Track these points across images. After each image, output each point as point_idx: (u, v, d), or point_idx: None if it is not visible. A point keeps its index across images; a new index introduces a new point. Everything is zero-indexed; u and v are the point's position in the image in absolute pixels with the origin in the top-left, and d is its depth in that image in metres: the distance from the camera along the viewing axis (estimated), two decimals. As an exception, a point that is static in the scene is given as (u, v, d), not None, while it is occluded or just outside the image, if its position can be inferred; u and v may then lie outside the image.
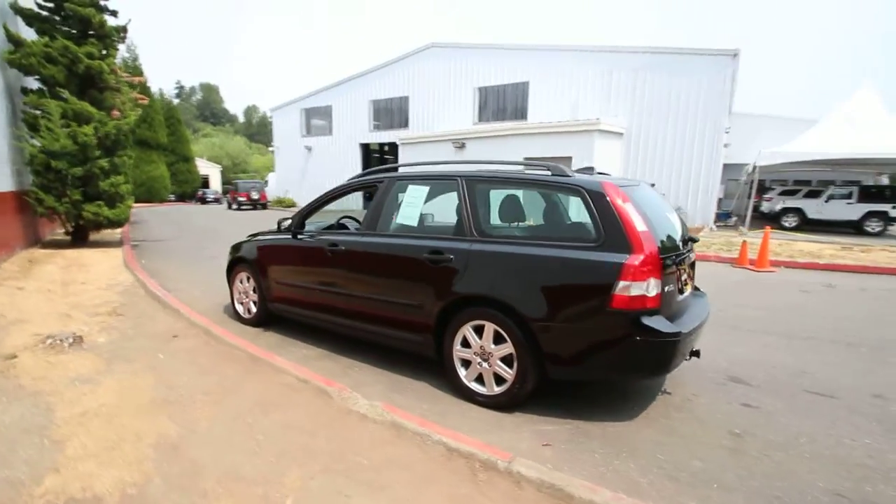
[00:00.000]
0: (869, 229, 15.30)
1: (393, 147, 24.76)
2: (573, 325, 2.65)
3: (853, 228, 15.61)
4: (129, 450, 2.31)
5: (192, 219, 19.18)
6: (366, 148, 25.35)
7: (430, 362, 3.41)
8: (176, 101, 72.06)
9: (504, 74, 19.27)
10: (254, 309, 4.66)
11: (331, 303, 3.85)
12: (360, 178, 3.97)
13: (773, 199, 18.39)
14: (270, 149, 32.19)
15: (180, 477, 2.12)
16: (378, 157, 28.04)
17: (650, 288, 2.55)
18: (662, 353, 2.60)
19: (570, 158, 14.58)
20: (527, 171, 3.17)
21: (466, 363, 3.10)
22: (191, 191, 36.16)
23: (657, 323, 2.57)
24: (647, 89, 16.03)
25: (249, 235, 5.07)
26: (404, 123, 22.75)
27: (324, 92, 26.01)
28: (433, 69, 21.38)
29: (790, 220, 16.61)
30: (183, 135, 36.15)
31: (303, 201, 26.79)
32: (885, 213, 15.46)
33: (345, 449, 2.37)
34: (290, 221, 4.42)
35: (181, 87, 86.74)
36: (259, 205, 26.64)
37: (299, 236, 4.17)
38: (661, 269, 2.62)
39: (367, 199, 4.27)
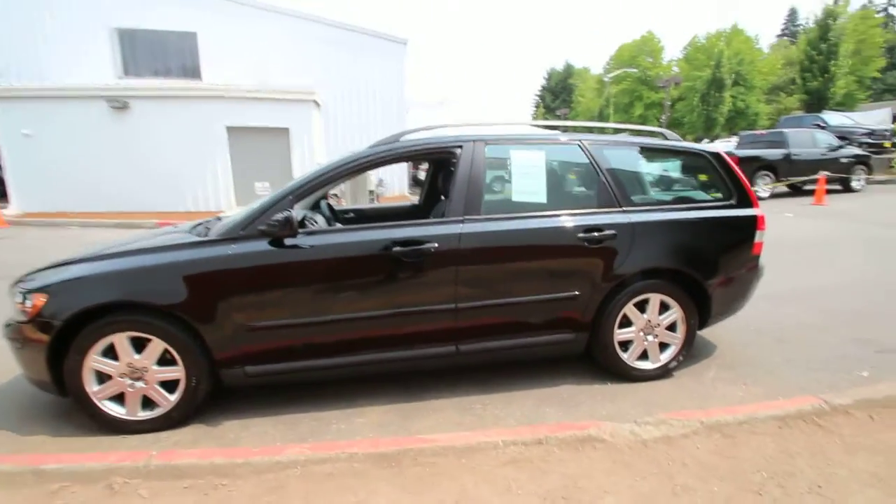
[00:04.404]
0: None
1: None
2: (733, 276, 2.95)
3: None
4: None
5: None
6: None
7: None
8: None
9: (160, 17, 15.02)
10: (169, 398, 2.44)
11: (408, 329, 2.58)
12: (412, 145, 2.70)
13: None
14: None
15: None
16: None
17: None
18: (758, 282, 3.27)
19: (287, 130, 13.31)
20: (637, 137, 3.09)
21: (624, 344, 2.87)
22: None
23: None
24: (337, 63, 16.18)
25: (54, 266, 2.56)
26: (-27, 65, 14.31)
27: None
28: (24, -13, 14.21)
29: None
30: None
31: None
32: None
33: (768, 470, 1.91)
34: (237, 221, 2.54)
35: None
36: None
37: (289, 243, 2.47)
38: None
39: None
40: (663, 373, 2.91)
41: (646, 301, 2.83)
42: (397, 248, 2.48)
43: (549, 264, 2.69)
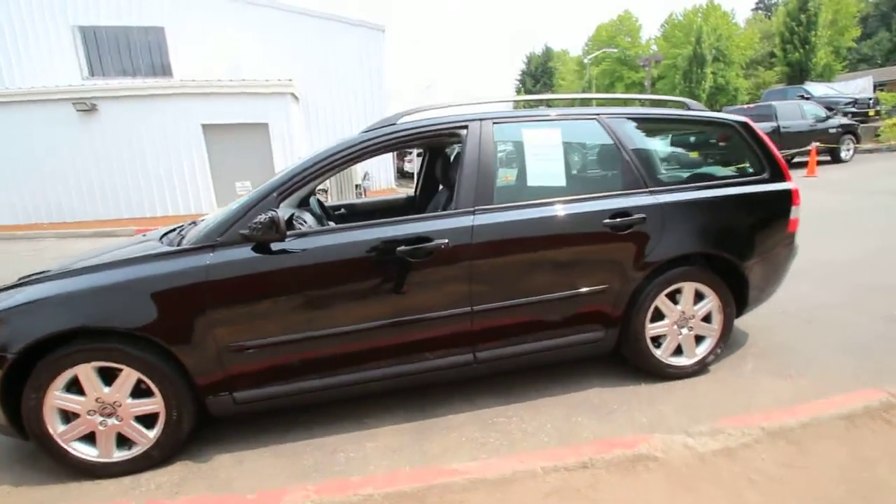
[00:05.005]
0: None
1: None
2: (768, 256, 2.69)
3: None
4: None
5: None
6: None
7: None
8: None
9: (123, 12, 14.26)
10: (148, 434, 2.10)
11: (419, 337, 2.27)
12: (410, 127, 2.36)
13: (412, 161, 22.37)
14: None
15: None
16: None
17: (799, 209, 2.87)
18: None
19: (265, 125, 12.77)
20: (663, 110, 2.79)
21: (655, 340, 2.60)
22: None
23: (795, 239, 2.96)
24: (314, 54, 15.57)
25: (9, 287, 2.22)
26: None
27: None
28: (-27, -16, 13.35)
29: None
30: None
31: None
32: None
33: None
34: (213, 226, 2.19)
35: None
36: None
37: (277, 247, 2.13)
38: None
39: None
40: (700, 368, 2.65)
41: (678, 291, 2.56)
42: (403, 247, 2.16)
43: (574, 255, 2.39)
